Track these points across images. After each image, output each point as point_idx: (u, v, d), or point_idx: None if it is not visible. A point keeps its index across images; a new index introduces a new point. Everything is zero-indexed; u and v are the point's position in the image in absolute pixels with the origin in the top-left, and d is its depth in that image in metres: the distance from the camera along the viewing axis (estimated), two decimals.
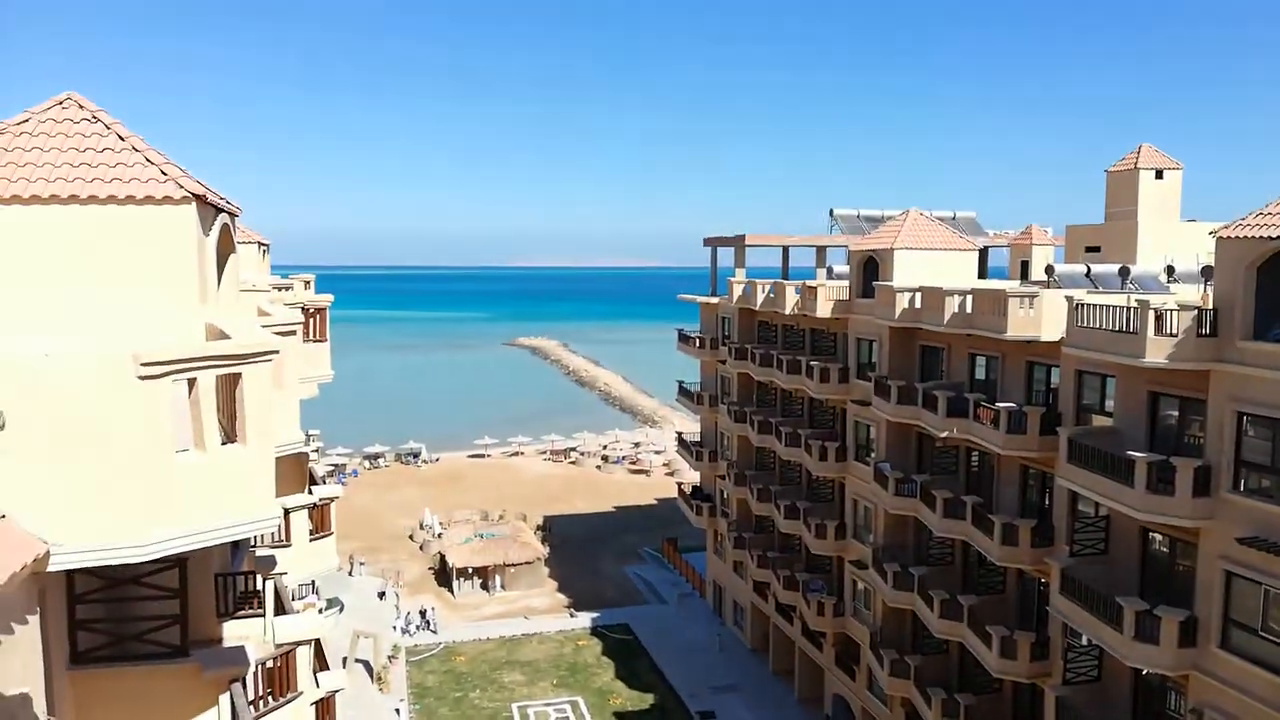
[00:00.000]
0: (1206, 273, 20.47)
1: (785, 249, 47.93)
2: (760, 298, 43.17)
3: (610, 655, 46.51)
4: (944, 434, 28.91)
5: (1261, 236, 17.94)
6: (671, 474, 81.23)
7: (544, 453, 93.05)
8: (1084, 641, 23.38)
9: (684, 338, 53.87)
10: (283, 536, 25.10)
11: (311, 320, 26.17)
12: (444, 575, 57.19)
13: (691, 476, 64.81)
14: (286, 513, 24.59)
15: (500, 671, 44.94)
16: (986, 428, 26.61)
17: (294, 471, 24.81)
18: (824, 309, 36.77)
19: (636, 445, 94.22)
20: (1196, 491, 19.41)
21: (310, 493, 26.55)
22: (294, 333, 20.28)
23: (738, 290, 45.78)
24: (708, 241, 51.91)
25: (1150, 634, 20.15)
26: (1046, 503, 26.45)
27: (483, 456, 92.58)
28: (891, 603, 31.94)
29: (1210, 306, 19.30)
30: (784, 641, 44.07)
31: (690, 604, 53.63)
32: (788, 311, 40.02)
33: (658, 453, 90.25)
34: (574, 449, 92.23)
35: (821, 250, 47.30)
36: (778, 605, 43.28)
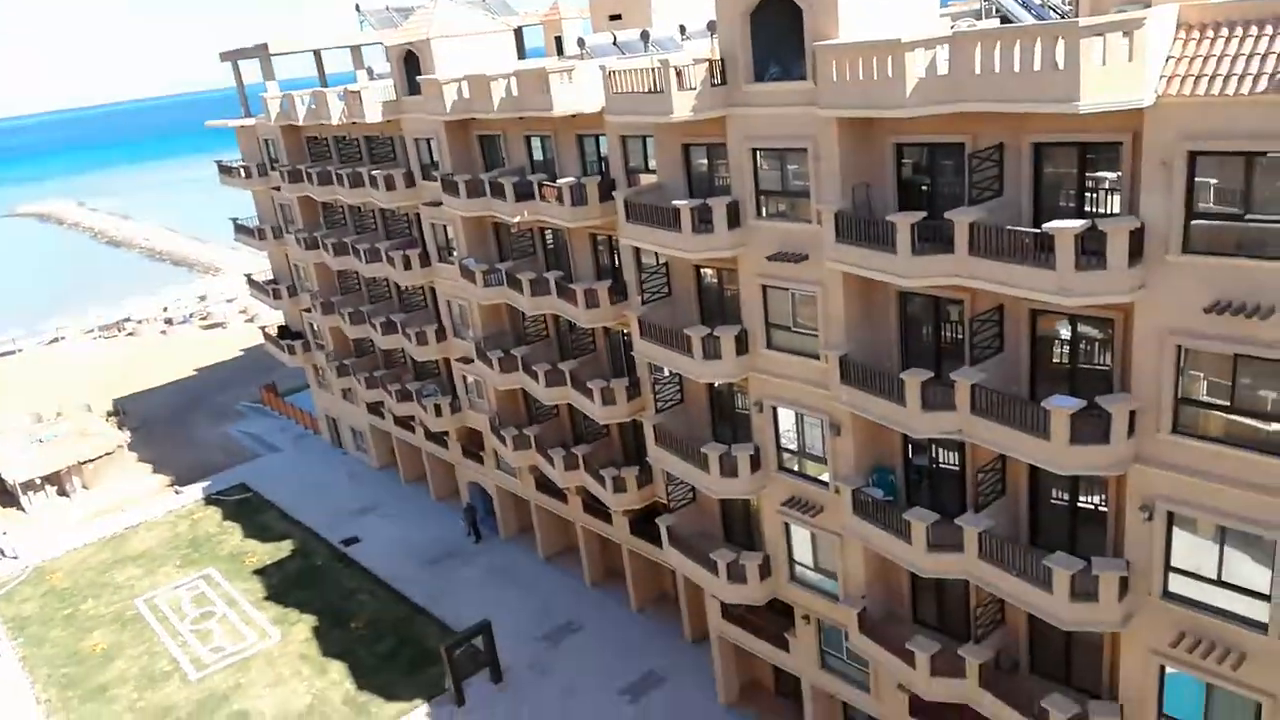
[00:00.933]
0: (712, 26, 22.55)
1: (317, 54, 44.14)
2: (302, 112, 39.71)
3: (233, 518, 44.20)
4: (516, 219, 29.88)
5: None
6: (251, 320, 75.56)
7: (91, 332, 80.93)
8: (666, 373, 26.78)
9: (225, 169, 48.44)
10: None
11: None
12: (5, 494, 49.14)
13: (274, 317, 60.86)
14: None
15: (110, 573, 40.82)
16: (553, 205, 27.93)
17: None
18: (373, 113, 34.96)
19: (203, 299, 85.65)
20: (731, 224, 22.39)
21: None
22: None
23: (275, 107, 41.60)
24: (225, 56, 45.90)
25: (714, 352, 23.59)
26: (616, 263, 28.95)
27: (13, 353, 78.27)
28: (502, 386, 33.69)
29: (718, 57, 21.47)
30: (410, 451, 44.95)
31: (307, 444, 52.08)
32: (335, 122, 37.43)
33: (229, 301, 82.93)
34: (127, 319, 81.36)
35: (357, 51, 44.24)
36: (396, 419, 43.62)
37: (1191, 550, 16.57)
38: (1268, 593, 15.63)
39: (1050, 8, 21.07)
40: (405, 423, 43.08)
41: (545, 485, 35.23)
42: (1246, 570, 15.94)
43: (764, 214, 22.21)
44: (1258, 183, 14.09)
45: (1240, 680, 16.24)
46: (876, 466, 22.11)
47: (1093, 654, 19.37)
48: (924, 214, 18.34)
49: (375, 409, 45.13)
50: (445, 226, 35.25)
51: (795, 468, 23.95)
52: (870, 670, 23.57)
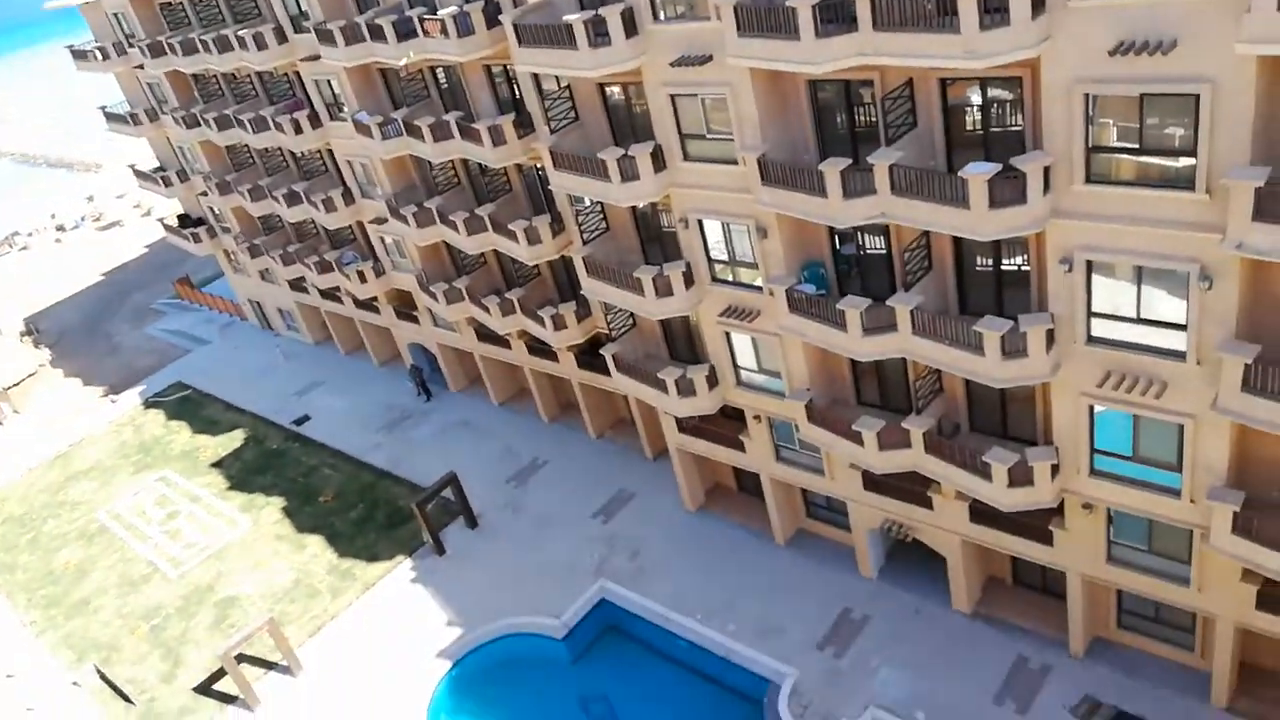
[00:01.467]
0: None
1: None
2: None
3: (177, 418, 43.52)
4: (404, 62, 28.08)
5: None
6: (147, 214, 71.68)
7: None
8: (587, 203, 26.20)
9: (79, 54, 44.29)
10: None
11: None
12: None
13: (171, 206, 57.67)
14: None
15: (64, 491, 40.34)
16: (439, 40, 26.23)
17: None
18: None
19: (91, 200, 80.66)
20: (628, 33, 21.23)
21: None
22: None
23: None
24: None
25: (632, 173, 22.99)
26: (517, 95, 27.60)
27: None
28: (422, 242, 32.77)
29: None
30: (343, 323, 44.14)
31: (235, 332, 50.76)
32: None
33: (120, 197, 78.30)
34: (16, 234, 76.65)
35: None
36: (322, 293, 42.50)
37: (1111, 294, 17.19)
38: (1183, 322, 16.40)
39: None
40: (332, 294, 42.02)
41: (486, 335, 35.05)
42: (1163, 305, 16.64)
43: (662, 17, 21.09)
44: None
45: (1163, 407, 17.31)
46: (806, 263, 22.25)
47: (1026, 406, 20.44)
48: None
49: (298, 285, 43.82)
50: (329, 81, 33.07)
51: (728, 277, 24.01)
52: (823, 455, 24.67)
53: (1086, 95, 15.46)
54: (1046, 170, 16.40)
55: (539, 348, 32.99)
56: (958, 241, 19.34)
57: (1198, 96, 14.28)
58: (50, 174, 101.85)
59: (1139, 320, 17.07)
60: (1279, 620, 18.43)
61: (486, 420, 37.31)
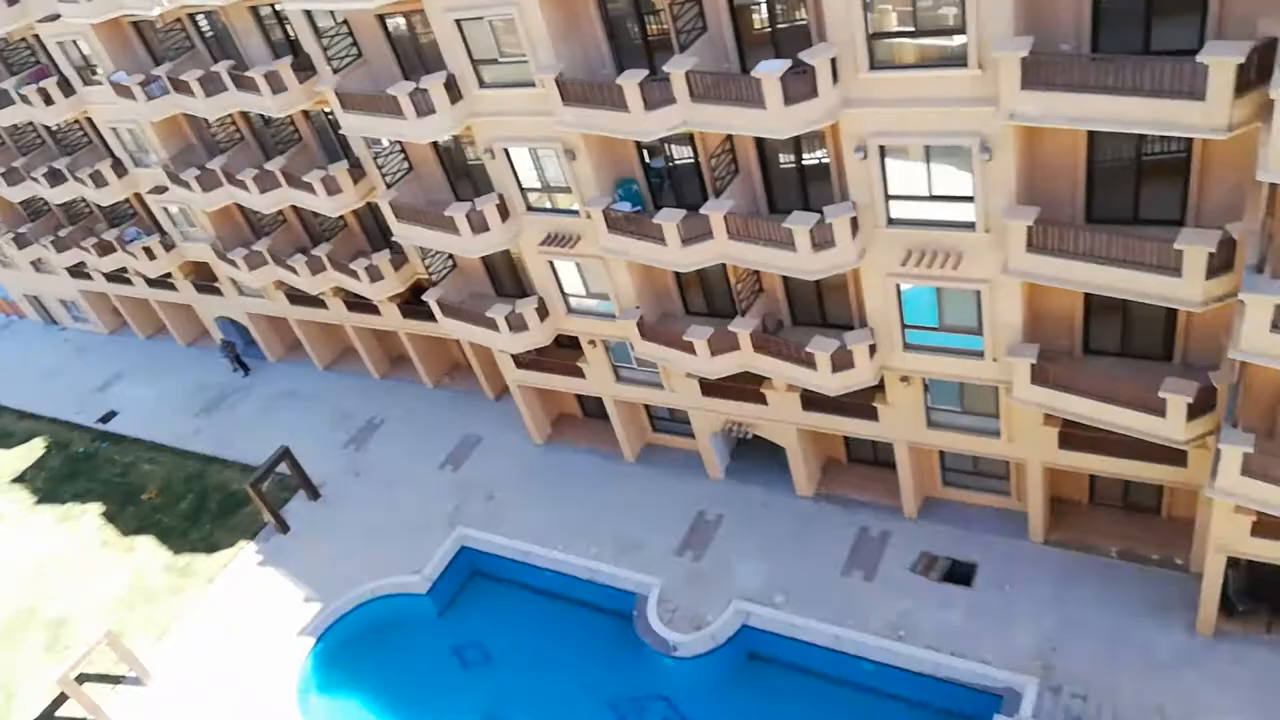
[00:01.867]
0: None
1: None
2: None
3: None
4: (158, 11, 25.60)
5: None
6: None
7: None
8: (384, 144, 24.97)
9: None
10: None
11: None
12: None
13: None
14: None
15: None
16: None
17: None
18: None
19: None
20: None
21: None
22: None
23: None
24: None
25: (427, 107, 21.93)
26: (292, 35, 25.66)
27: None
28: (211, 207, 30.42)
29: None
30: (138, 306, 40.72)
31: (16, 332, 45.92)
32: None
33: None
34: None
35: None
36: (107, 277, 38.85)
37: (905, 177, 18.02)
38: (970, 195, 17.44)
39: None
40: (120, 277, 38.43)
41: (300, 297, 33.15)
42: (951, 181, 17.61)
43: None
44: None
45: (961, 276, 18.48)
46: (619, 181, 22.13)
47: (841, 294, 21.36)
48: None
49: (79, 272, 39.84)
50: (75, 42, 29.71)
51: (544, 205, 23.56)
52: (660, 370, 25.03)
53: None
54: (833, 61, 16.83)
55: (358, 303, 31.56)
56: (760, 142, 19.70)
57: None
58: None
59: (932, 198, 18.01)
60: (1079, 456, 20.41)
61: (313, 387, 35.58)
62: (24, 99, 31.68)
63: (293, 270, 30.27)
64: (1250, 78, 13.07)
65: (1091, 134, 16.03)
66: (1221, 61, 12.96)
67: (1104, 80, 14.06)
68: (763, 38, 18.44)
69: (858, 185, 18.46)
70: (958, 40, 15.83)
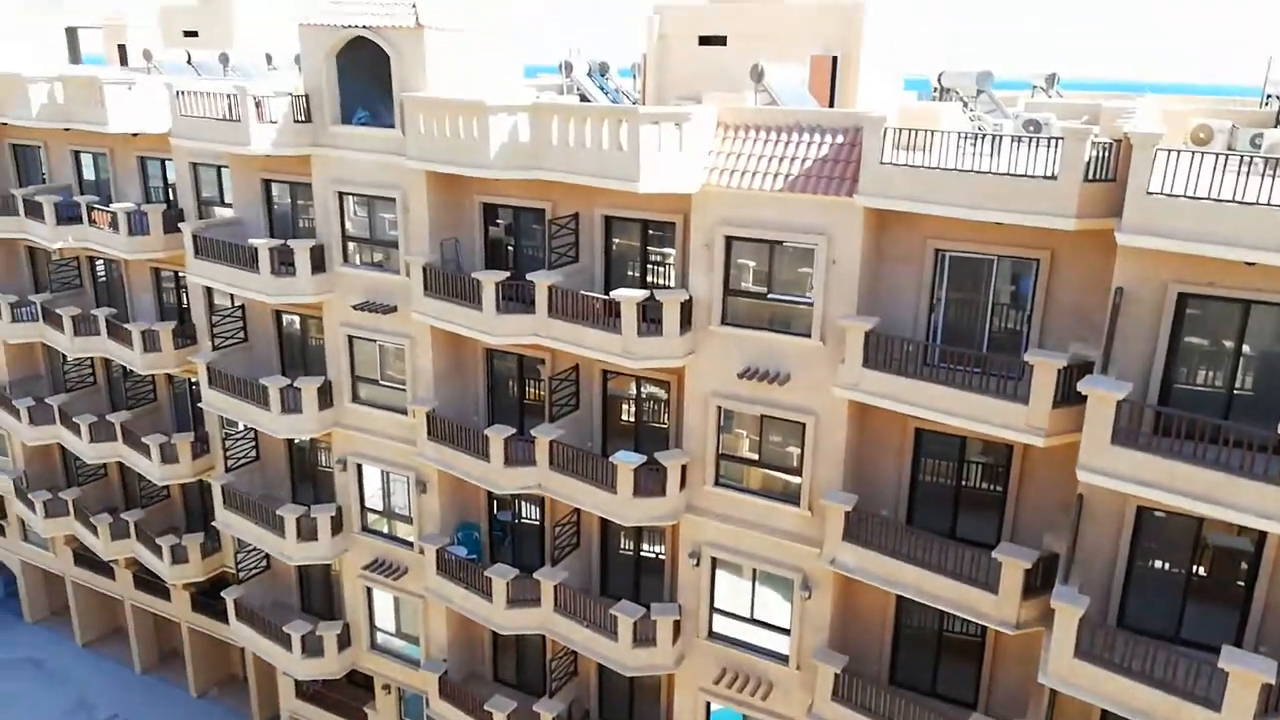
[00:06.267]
0: (299, 60, 21.36)
1: None
2: None
3: None
4: (58, 245, 25.69)
5: (335, 25, 19.28)
6: None
7: None
8: (240, 428, 24.35)
9: None
10: None
11: None
12: None
13: None
14: None
15: None
16: (107, 233, 24.44)
17: None
18: None
19: None
20: (315, 269, 21.09)
21: None
22: None
23: None
24: None
25: (294, 405, 21.91)
26: (184, 303, 25.95)
27: None
28: (32, 441, 28.43)
29: (303, 93, 20.32)
30: None
31: None
32: None
33: None
34: None
35: None
36: None
37: (731, 592, 18.40)
38: (788, 627, 17.79)
39: (624, 94, 22.96)
40: None
41: (87, 558, 30.09)
42: (773, 608, 18.03)
43: (351, 261, 21.26)
44: (778, 267, 16.29)
45: (769, 709, 18.22)
46: (462, 524, 21.87)
47: (652, 696, 20.67)
48: (509, 274, 18.75)
49: None
50: None
51: (381, 529, 22.89)
52: None
53: (719, 407, 17.32)
54: (684, 468, 17.81)
55: (149, 581, 28.74)
56: (605, 523, 20.05)
57: (804, 425, 16.50)
58: None
59: (753, 620, 18.28)
60: None
61: (64, 662, 31.06)
62: None
63: (93, 529, 27.76)
64: (1036, 583, 14.33)
65: (899, 597, 16.93)
66: (1012, 562, 14.26)
67: (913, 551, 15.20)
68: (627, 428, 19.54)
69: (686, 589, 18.68)
70: (795, 480, 17.10)
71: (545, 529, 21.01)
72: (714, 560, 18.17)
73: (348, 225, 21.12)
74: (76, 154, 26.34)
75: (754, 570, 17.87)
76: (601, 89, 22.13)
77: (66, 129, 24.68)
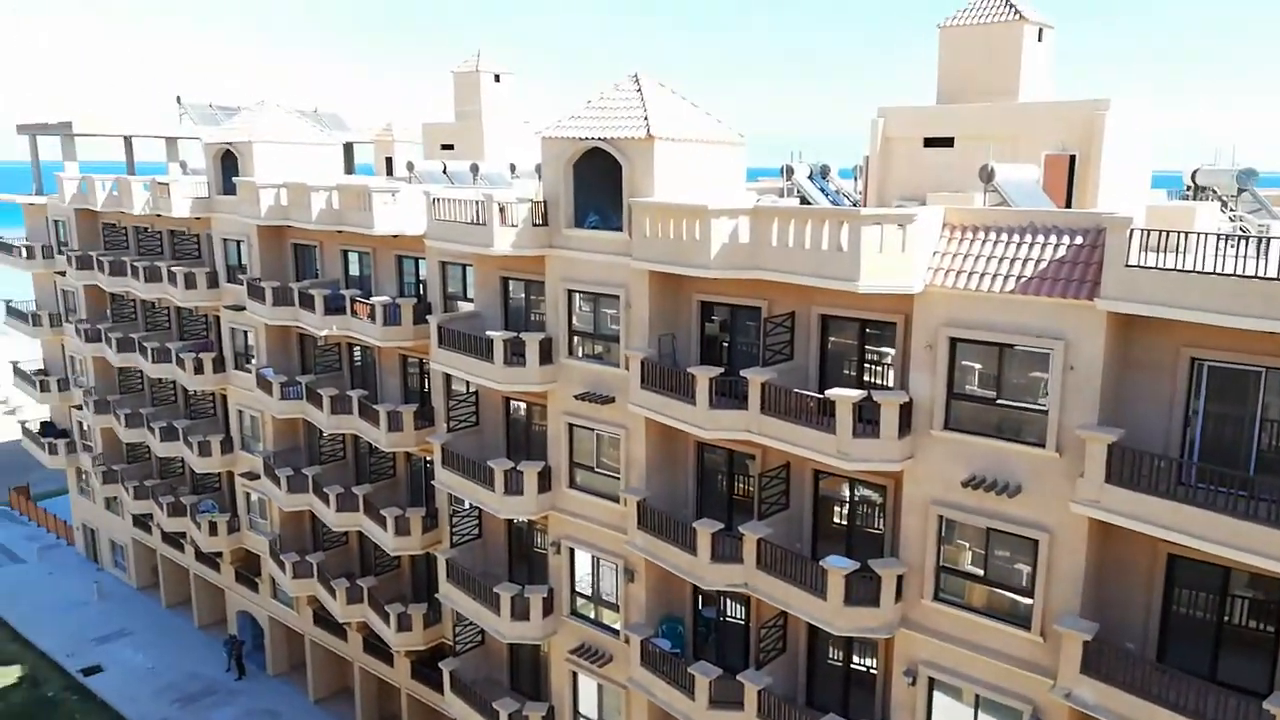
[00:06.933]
0: (539, 170, 23.22)
1: (127, 140, 42.02)
2: (102, 196, 37.31)
3: None
4: (324, 333, 28.81)
5: (573, 137, 20.86)
6: (11, 412, 67.90)
7: None
8: (466, 506, 25.90)
9: (4, 247, 44.35)
10: None
11: None
12: None
13: (39, 412, 55.00)
14: None
15: None
16: (365, 322, 27.18)
17: None
18: (181, 208, 33.29)
19: None
20: (543, 360, 22.43)
21: None
22: None
23: (71, 188, 38.89)
24: (23, 129, 42.85)
25: (517, 487, 23.10)
26: (425, 387, 28.24)
27: None
28: (288, 507, 31.49)
29: (541, 199, 22.00)
30: (176, 572, 40.83)
31: (56, 556, 46.32)
32: (138, 211, 35.35)
33: None
34: None
35: (173, 143, 42.50)
36: (164, 535, 39.70)
37: (949, 716, 17.16)
38: None
39: (844, 195, 23.11)
40: (174, 539, 39.23)
41: (324, 619, 32.68)
42: None
43: (576, 353, 22.42)
44: (1008, 371, 15.55)
45: None
46: (667, 616, 21.93)
47: None
48: (722, 369, 19.06)
49: (142, 522, 40.95)
50: (246, 332, 33.45)
51: (588, 614, 23.40)
52: None
53: (940, 517, 16.52)
54: (900, 578, 17.03)
55: (376, 645, 30.73)
56: (813, 629, 19.44)
57: (1036, 541, 15.39)
58: None
59: None
60: None
61: (297, 716, 33.58)
62: (179, 362, 35.10)
63: (332, 592, 30.20)
64: None
65: None
66: None
67: (1165, 693, 13.59)
68: (838, 532, 19.03)
69: (901, 709, 17.63)
70: (1025, 601, 15.89)
71: (751, 629, 20.63)
72: (931, 681, 17.08)
73: (574, 320, 22.36)
74: (345, 252, 29.71)
75: (976, 696, 16.61)
76: (822, 190, 22.41)
77: (339, 231, 27.99)
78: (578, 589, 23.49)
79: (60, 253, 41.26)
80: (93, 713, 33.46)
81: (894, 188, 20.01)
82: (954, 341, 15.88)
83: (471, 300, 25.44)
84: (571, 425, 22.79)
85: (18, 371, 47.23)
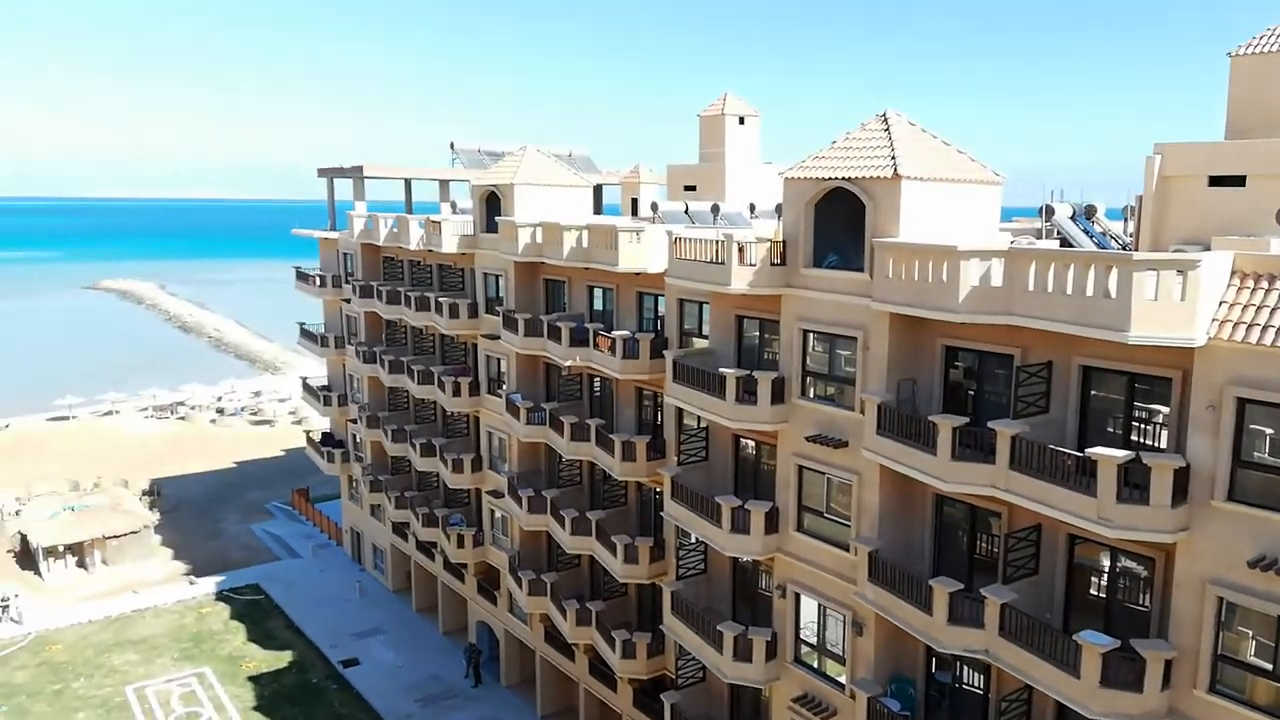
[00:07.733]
0: (779, 209, 23.36)
1: (407, 182, 46.66)
2: (384, 233, 41.73)
3: (240, 619, 43.52)
4: (568, 363, 30.37)
5: (816, 177, 20.81)
6: (299, 422, 76.83)
7: (145, 410, 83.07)
8: (692, 540, 26.22)
9: (302, 276, 50.60)
10: None
11: None
12: (27, 557, 49.41)
13: (321, 423, 61.86)
14: None
15: (108, 655, 40.13)
16: (605, 355, 28.40)
17: None
18: (450, 244, 36.50)
19: (257, 394, 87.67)
20: (774, 399, 22.38)
21: None
22: None
23: (359, 225, 43.81)
24: (323, 172, 48.87)
25: (743, 526, 23.10)
26: (658, 420, 28.99)
27: (67, 419, 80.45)
28: (528, 526, 33.31)
29: (780, 239, 22.08)
30: (426, 579, 44.24)
31: (327, 554, 51.69)
32: (413, 247, 39.17)
33: (282, 401, 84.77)
34: (182, 403, 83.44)
35: (445, 184, 46.70)
36: (418, 544, 43.23)
37: None
38: None
39: (1112, 237, 21.37)
40: (427, 548, 42.65)
41: (554, 638, 34.14)
42: None
43: (808, 394, 22.19)
44: None
45: None
46: (896, 675, 20.98)
47: None
48: (967, 419, 18.13)
49: (400, 530, 44.87)
50: (499, 360, 35.94)
51: (812, 663, 22.87)
52: None
53: (1220, 599, 14.71)
54: (1168, 663, 15.30)
55: (601, 669, 31.66)
56: (1063, 708, 17.85)
57: None
58: (233, 362, 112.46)
59: None
60: None
61: None
62: (440, 384, 38.26)
63: (562, 612, 31.52)
64: None
65: None
66: None
67: None
68: (1095, 604, 17.42)
69: None
70: None
71: (990, 701, 19.29)
72: None
73: (808, 360, 22.15)
74: (590, 288, 31.26)
75: None
76: (1086, 232, 20.86)
77: (586, 268, 29.52)
78: (802, 636, 23.04)
79: (346, 282, 46.47)
80: (349, 701, 36.83)
81: (1172, 231, 18.24)
82: (1242, 402, 14.18)
83: (707, 337, 25.89)
84: (801, 467, 22.51)
85: (306, 387, 53.54)
